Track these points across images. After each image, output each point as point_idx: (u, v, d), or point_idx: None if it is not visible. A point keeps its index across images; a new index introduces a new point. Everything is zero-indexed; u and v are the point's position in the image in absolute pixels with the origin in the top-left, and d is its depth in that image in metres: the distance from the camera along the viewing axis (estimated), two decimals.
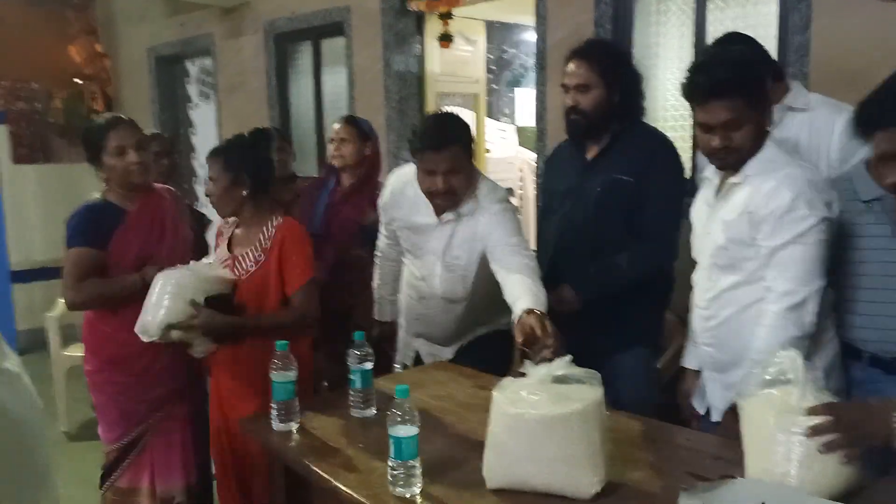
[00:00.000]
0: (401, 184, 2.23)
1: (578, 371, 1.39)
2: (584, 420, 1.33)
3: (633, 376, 2.17)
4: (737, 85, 1.63)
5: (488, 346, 2.26)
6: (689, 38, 2.94)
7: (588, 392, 1.38)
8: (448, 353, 2.28)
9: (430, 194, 2.07)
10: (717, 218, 1.75)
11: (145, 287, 2.10)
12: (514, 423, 1.35)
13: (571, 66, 2.14)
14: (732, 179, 1.71)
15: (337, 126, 2.78)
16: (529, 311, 1.72)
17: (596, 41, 2.28)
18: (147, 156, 2.27)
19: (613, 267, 2.13)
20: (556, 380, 1.38)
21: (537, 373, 1.40)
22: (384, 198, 2.31)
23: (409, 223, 2.20)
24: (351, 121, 2.81)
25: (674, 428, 1.72)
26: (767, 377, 1.32)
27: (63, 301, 2.46)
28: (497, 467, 1.39)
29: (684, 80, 1.73)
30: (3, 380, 0.92)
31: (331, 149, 2.78)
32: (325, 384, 2.69)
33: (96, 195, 2.28)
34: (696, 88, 1.67)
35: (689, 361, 1.99)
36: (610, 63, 2.14)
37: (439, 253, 2.13)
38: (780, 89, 2.00)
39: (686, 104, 2.97)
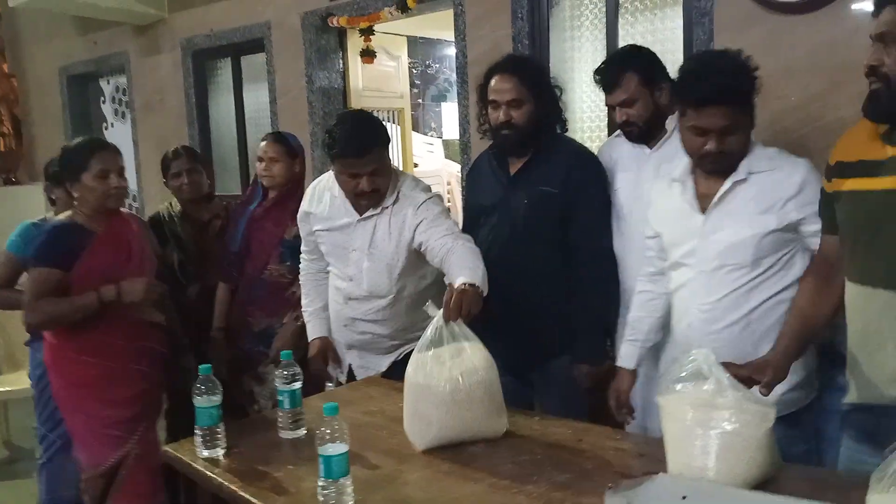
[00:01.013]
0: (318, 191, 2.27)
1: (456, 329, 1.65)
2: (489, 378, 1.63)
3: (566, 381, 2.21)
4: (735, 91, 1.65)
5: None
6: (602, 51, 3.05)
7: (477, 350, 1.64)
8: (383, 364, 2.27)
9: (356, 196, 2.10)
10: (725, 217, 1.72)
11: (102, 306, 2.14)
12: (432, 396, 1.61)
13: (499, 82, 2.16)
14: (736, 177, 1.70)
15: (264, 144, 2.71)
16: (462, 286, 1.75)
17: (517, 56, 2.34)
18: (125, 182, 2.30)
19: (594, 311, 2.16)
20: (447, 336, 1.64)
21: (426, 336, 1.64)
22: (303, 209, 2.31)
23: (330, 226, 2.22)
24: (279, 138, 2.75)
25: (600, 429, 1.76)
26: (683, 374, 1.38)
27: None
28: (423, 434, 1.64)
29: (681, 84, 1.72)
30: None
31: (259, 168, 2.71)
32: (256, 407, 2.63)
33: (62, 217, 2.26)
34: (696, 93, 1.66)
35: (627, 361, 2.00)
36: (536, 78, 2.19)
37: (364, 248, 2.16)
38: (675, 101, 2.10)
39: (601, 115, 3.11)
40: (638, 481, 1.30)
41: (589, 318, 2.18)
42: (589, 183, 2.17)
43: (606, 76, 2.13)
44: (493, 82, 2.18)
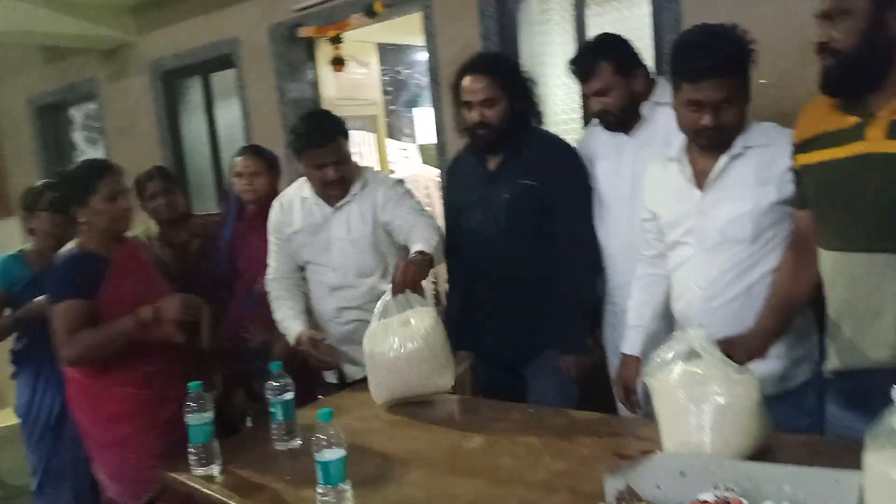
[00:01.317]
0: (286, 202, 2.38)
1: (404, 299, 1.89)
2: (429, 344, 1.85)
3: (559, 373, 2.21)
4: (732, 64, 1.64)
5: None
6: (572, 43, 3.06)
7: (422, 318, 1.87)
8: None
9: (324, 185, 2.25)
10: (723, 192, 1.71)
11: (140, 327, 2.05)
12: (380, 361, 1.89)
13: (471, 83, 2.16)
14: (732, 152, 1.70)
15: (242, 159, 2.69)
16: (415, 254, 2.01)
17: (487, 54, 2.35)
18: (131, 204, 2.22)
19: (578, 301, 2.16)
20: (398, 307, 1.89)
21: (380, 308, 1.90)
22: (273, 221, 2.37)
23: (306, 226, 2.32)
24: (258, 151, 2.74)
25: (596, 416, 1.77)
26: (672, 353, 1.38)
27: None
28: (378, 392, 1.95)
29: (675, 57, 1.71)
30: None
31: (240, 183, 2.68)
32: (249, 423, 2.61)
33: (70, 247, 2.15)
34: (690, 67, 1.65)
35: (632, 348, 1.96)
36: (508, 74, 2.19)
37: (344, 235, 2.27)
38: (649, 86, 2.10)
39: (575, 108, 3.12)
40: (636, 462, 1.30)
41: (573, 308, 2.18)
42: (568, 172, 2.18)
43: (581, 66, 2.12)
44: (465, 82, 2.19)
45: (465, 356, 2.52)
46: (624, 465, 1.30)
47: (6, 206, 5.86)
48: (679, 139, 1.81)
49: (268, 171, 2.69)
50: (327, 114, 2.36)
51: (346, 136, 2.28)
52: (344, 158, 2.25)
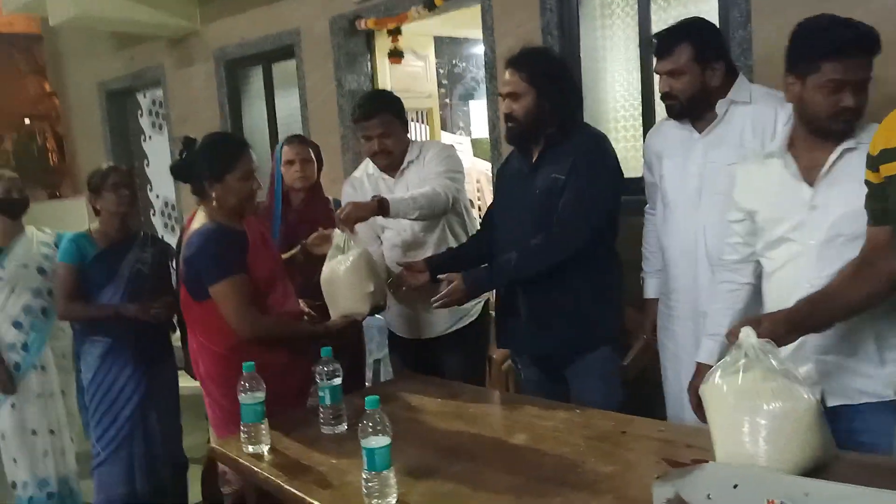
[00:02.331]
0: (357, 179, 2.63)
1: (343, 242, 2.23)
2: (343, 279, 2.21)
3: (601, 376, 2.16)
4: (872, 44, 1.57)
5: (469, 337, 2.59)
6: (635, 39, 3.00)
7: (351, 256, 2.20)
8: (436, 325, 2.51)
9: (371, 155, 2.51)
10: (835, 186, 1.63)
11: (313, 338, 2.13)
12: (324, 281, 2.27)
13: (505, 75, 2.16)
14: (845, 145, 1.62)
15: (290, 147, 2.74)
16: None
17: (529, 49, 2.30)
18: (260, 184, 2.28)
19: (511, 261, 2.11)
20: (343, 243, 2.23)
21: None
22: (348, 200, 2.46)
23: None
24: (305, 140, 2.81)
25: (646, 421, 1.73)
26: (726, 360, 1.34)
27: None
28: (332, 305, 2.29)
29: (812, 38, 1.62)
30: None
31: (291, 170, 2.72)
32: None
33: (203, 222, 2.13)
34: (839, 42, 1.56)
35: (708, 357, 1.85)
36: (539, 70, 2.13)
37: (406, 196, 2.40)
38: (727, 84, 2.02)
39: (635, 104, 3.06)
40: (686, 470, 1.27)
41: (512, 264, 2.09)
42: (583, 166, 2.08)
43: (661, 42, 2.04)
44: (504, 75, 2.18)
45: (506, 354, 2.51)
46: (673, 472, 1.28)
47: (76, 186, 6.12)
48: (781, 134, 1.73)
49: (315, 157, 2.75)
50: (380, 92, 2.62)
51: (394, 113, 2.48)
52: (388, 133, 2.45)
